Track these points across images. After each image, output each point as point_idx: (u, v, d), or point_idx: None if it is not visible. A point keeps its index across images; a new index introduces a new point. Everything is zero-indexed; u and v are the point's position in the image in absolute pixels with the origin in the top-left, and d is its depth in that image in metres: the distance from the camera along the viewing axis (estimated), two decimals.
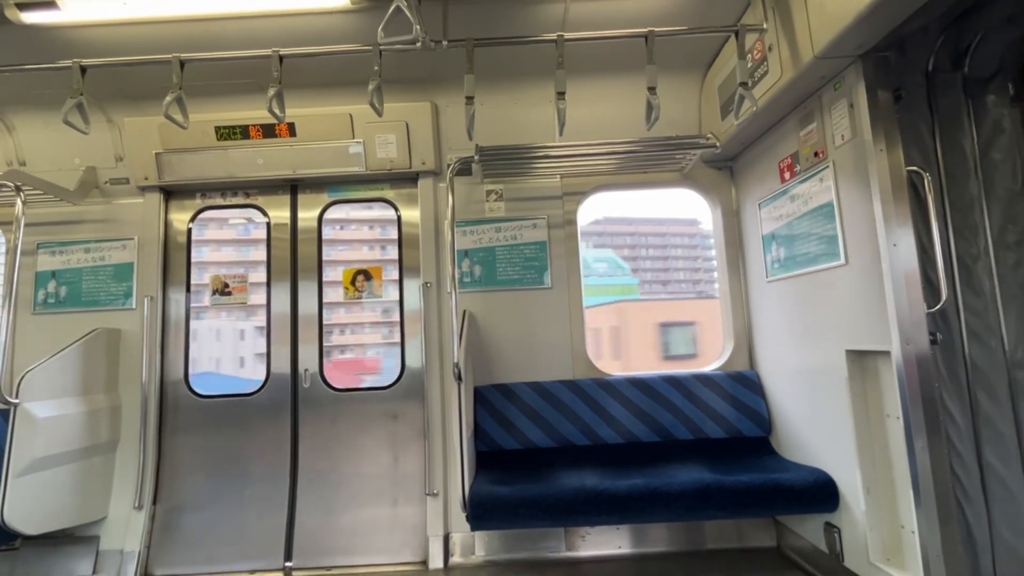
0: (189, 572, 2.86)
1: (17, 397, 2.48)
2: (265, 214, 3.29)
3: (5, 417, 2.61)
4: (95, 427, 2.84)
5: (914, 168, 1.98)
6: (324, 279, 3.24)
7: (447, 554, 2.82)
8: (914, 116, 2.06)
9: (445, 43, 2.33)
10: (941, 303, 1.91)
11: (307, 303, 3.21)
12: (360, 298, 3.23)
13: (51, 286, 3.16)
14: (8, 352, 2.59)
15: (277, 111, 2.29)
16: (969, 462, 1.92)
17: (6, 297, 2.56)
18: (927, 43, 2.05)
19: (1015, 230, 2.00)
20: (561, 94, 2.28)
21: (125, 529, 2.88)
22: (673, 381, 2.95)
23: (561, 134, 2.44)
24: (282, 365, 3.15)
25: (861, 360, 2.19)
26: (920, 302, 1.91)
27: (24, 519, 2.45)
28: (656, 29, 2.28)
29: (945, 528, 1.83)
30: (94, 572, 2.82)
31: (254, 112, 3.03)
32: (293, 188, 3.31)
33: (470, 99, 2.30)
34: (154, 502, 2.98)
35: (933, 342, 1.91)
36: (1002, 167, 2.02)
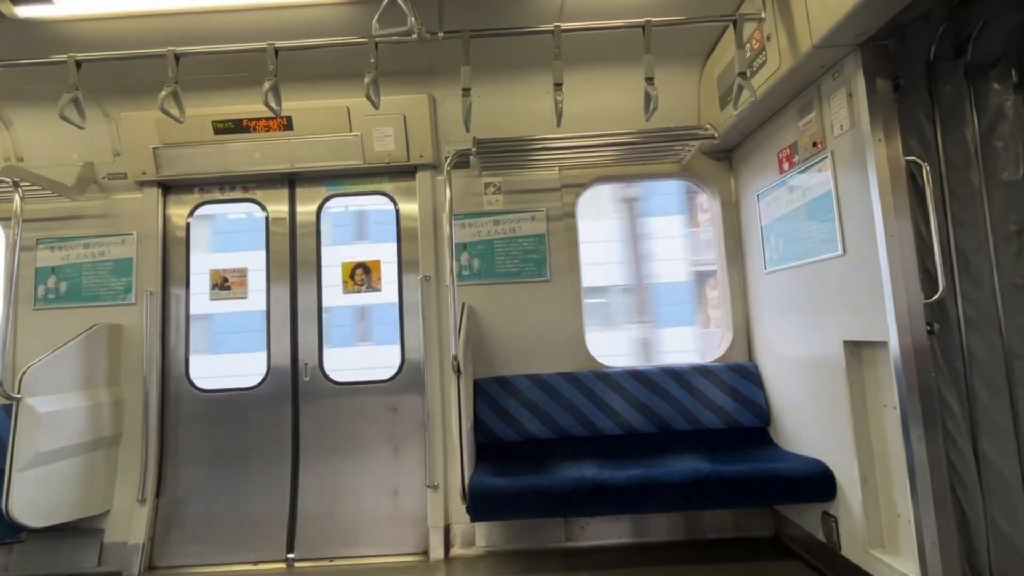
0: (193, 564, 2.89)
1: (19, 392, 2.50)
2: (264, 208, 3.29)
3: (8, 412, 2.63)
4: (98, 421, 2.86)
5: (913, 158, 1.97)
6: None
7: (448, 545, 2.84)
8: (914, 105, 2.04)
9: (441, 34, 2.32)
10: (939, 293, 1.91)
11: (306, 297, 3.21)
12: (359, 291, 3.24)
13: (51, 281, 3.17)
14: (10, 347, 2.60)
15: (273, 104, 2.28)
16: (965, 452, 1.92)
17: (7, 292, 2.57)
18: (929, 31, 2.03)
19: (1016, 219, 1.98)
20: (558, 85, 2.26)
21: (129, 522, 2.91)
22: (672, 373, 2.96)
23: (559, 126, 2.43)
24: (282, 359, 3.17)
25: (859, 351, 2.20)
26: (917, 293, 1.91)
27: (29, 512, 2.47)
28: (654, 19, 2.26)
29: (941, 516, 1.84)
30: (99, 564, 2.85)
31: (251, 106, 3.02)
32: (291, 182, 3.30)
33: (467, 91, 2.29)
34: (157, 495, 3.01)
35: (930, 332, 1.91)
36: (1004, 155, 2.00)
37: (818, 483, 2.30)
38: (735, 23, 2.29)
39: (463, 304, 2.95)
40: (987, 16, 1.96)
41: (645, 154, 3.07)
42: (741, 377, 2.94)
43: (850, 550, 2.21)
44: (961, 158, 2.03)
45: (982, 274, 1.98)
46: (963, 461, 1.91)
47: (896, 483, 2.05)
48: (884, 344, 1.99)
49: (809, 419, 2.51)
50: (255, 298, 3.32)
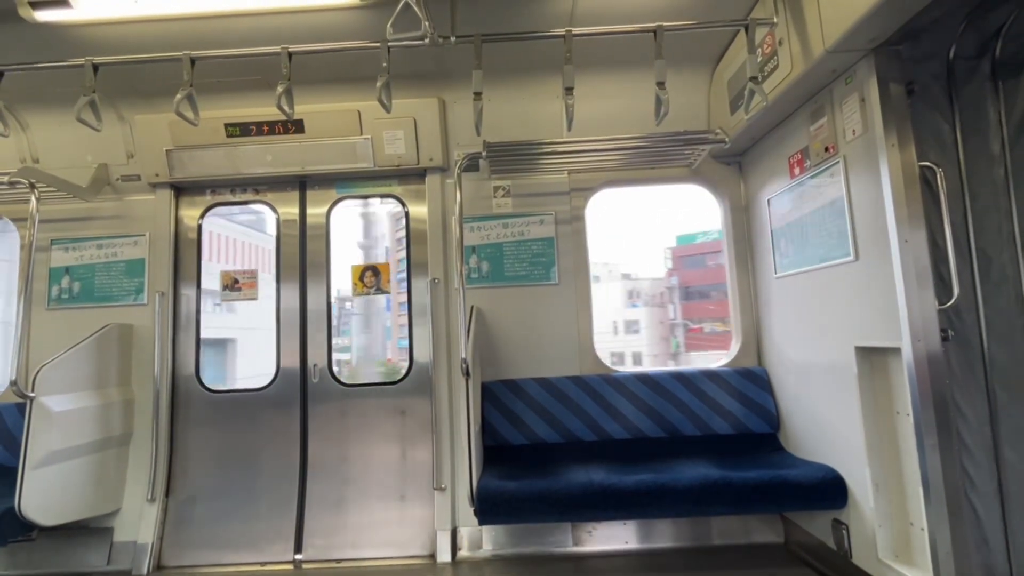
0: (201, 564, 2.90)
1: (33, 391, 2.53)
2: (274, 210, 3.32)
3: (21, 411, 2.66)
4: (109, 421, 2.89)
5: (927, 163, 1.95)
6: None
7: (455, 548, 2.84)
8: (929, 109, 2.03)
9: (453, 39, 2.33)
10: (953, 299, 1.89)
11: (316, 299, 3.23)
12: (369, 294, 3.25)
13: (64, 282, 3.20)
14: (23, 347, 2.63)
15: (286, 108, 2.30)
16: (982, 459, 1.90)
17: (21, 292, 2.60)
18: (948, 31, 2.00)
19: None
20: (569, 89, 2.27)
21: (138, 521, 2.92)
22: (681, 377, 2.95)
23: (569, 130, 2.44)
24: (291, 360, 3.18)
25: (871, 357, 2.18)
26: (931, 299, 1.89)
27: (40, 510, 2.49)
28: (665, 23, 2.27)
29: (955, 525, 1.82)
30: (108, 563, 2.87)
31: (263, 109, 3.05)
32: (302, 184, 3.32)
33: (478, 95, 2.30)
34: (167, 494, 3.03)
35: (945, 339, 1.89)
36: None
37: (829, 490, 2.27)
38: (747, 27, 2.29)
39: (472, 307, 2.96)
40: (1018, 9, 1.90)
41: (655, 158, 3.06)
42: (750, 382, 2.92)
43: (861, 558, 2.19)
44: (983, 159, 2.00)
45: (1005, 278, 1.95)
46: (978, 469, 1.89)
47: (909, 491, 2.03)
48: (897, 350, 1.97)
49: (820, 425, 2.49)
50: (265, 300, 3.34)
